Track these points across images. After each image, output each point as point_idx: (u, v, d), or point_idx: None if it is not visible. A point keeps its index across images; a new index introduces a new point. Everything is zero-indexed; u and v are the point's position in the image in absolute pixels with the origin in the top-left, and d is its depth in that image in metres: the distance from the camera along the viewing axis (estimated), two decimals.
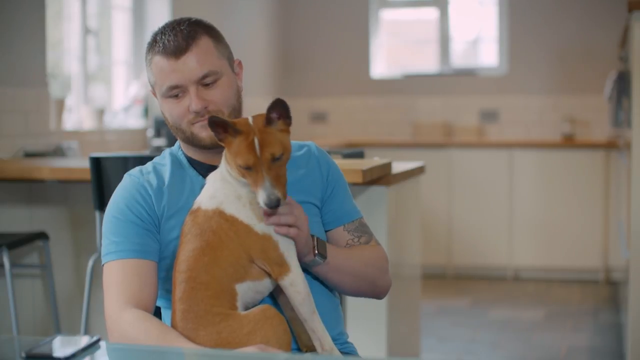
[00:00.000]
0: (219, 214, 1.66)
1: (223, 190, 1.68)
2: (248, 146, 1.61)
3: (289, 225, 1.67)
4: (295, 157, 1.89)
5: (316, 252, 1.75)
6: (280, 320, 1.64)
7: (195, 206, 1.70)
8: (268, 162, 1.61)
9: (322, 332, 1.69)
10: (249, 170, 1.62)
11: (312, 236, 1.76)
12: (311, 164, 1.91)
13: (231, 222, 1.66)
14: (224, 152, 1.70)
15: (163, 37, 1.80)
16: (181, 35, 1.78)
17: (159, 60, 1.79)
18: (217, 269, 1.64)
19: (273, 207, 1.60)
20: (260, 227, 1.66)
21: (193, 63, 1.77)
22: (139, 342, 1.63)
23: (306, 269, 1.76)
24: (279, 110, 1.65)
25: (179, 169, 1.85)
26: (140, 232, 1.76)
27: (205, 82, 1.78)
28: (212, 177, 1.73)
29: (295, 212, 1.68)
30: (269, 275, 1.68)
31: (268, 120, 1.65)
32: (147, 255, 1.75)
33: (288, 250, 1.67)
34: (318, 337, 1.68)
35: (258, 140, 1.62)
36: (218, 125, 1.64)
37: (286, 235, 1.67)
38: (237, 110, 1.84)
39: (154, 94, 1.87)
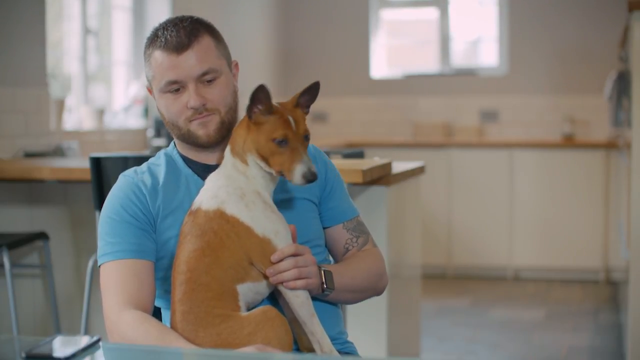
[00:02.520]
0: (220, 214, 1.66)
1: (226, 189, 1.68)
2: (284, 122, 1.66)
3: (295, 279, 1.67)
4: None
5: (325, 287, 1.75)
6: (281, 321, 1.64)
7: (194, 206, 1.70)
8: (302, 138, 1.67)
9: (321, 334, 1.68)
10: (283, 145, 1.65)
11: (320, 268, 1.75)
12: None
13: (232, 223, 1.65)
14: (235, 143, 1.71)
15: (165, 32, 1.80)
16: (184, 32, 1.79)
17: (160, 55, 1.79)
18: (218, 270, 1.64)
19: (311, 181, 1.64)
20: (261, 228, 1.66)
21: (193, 60, 1.77)
22: (139, 343, 1.63)
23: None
24: (310, 95, 1.71)
25: (173, 168, 1.85)
26: (136, 232, 1.75)
27: (204, 79, 1.78)
28: (213, 176, 1.73)
29: (299, 262, 1.67)
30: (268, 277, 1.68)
31: (298, 102, 1.71)
32: (144, 255, 1.75)
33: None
34: (317, 340, 1.68)
35: (292, 117, 1.67)
36: (261, 97, 1.66)
37: (294, 289, 1.67)
38: (234, 109, 1.84)
39: (150, 90, 1.87)
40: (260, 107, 1.67)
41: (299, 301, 1.67)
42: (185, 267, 1.65)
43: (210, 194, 1.69)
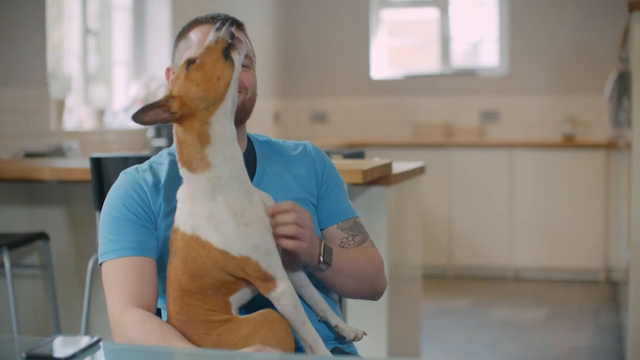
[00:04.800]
0: (196, 240, 1.60)
1: (194, 210, 1.61)
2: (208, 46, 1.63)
3: (289, 237, 1.63)
4: (292, 156, 1.91)
5: (321, 260, 1.72)
6: (281, 323, 1.63)
7: (175, 224, 1.65)
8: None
9: (314, 341, 1.65)
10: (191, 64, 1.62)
11: (320, 241, 1.73)
12: (307, 162, 1.92)
13: (208, 249, 1.60)
14: (186, 155, 1.62)
15: (208, 15, 1.84)
16: (229, 16, 1.84)
17: (205, 27, 1.82)
18: (209, 290, 1.62)
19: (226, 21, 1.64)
20: (236, 250, 1.59)
21: (239, 37, 1.76)
22: (141, 343, 1.63)
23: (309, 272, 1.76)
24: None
25: (176, 167, 1.83)
26: (137, 229, 1.75)
27: (244, 63, 1.75)
28: (181, 195, 1.65)
29: (298, 221, 1.63)
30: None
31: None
32: (146, 253, 1.74)
33: (271, 266, 1.61)
34: (309, 346, 1.66)
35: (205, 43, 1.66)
36: (150, 111, 1.62)
37: (280, 246, 1.63)
38: (250, 104, 1.85)
39: (169, 74, 1.86)
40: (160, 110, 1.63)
41: (288, 310, 1.63)
42: (177, 285, 1.64)
43: (184, 217, 1.63)
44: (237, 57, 1.63)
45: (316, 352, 1.65)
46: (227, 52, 1.62)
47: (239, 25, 1.84)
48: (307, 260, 1.70)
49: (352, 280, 1.83)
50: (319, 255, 1.71)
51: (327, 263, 1.73)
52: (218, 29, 1.63)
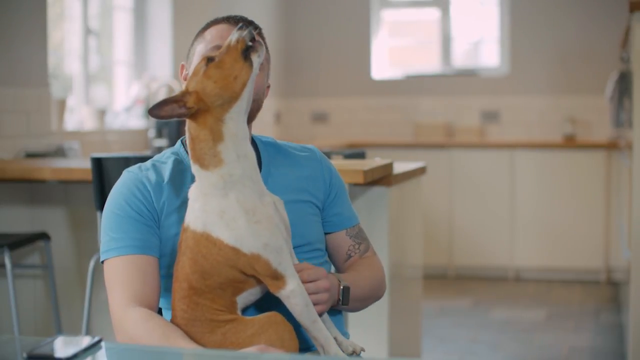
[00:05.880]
0: (207, 237, 1.61)
1: (205, 207, 1.62)
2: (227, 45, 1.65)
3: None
4: (299, 157, 1.93)
5: (340, 303, 1.78)
6: (286, 326, 1.63)
7: (185, 223, 1.66)
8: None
9: (325, 339, 1.66)
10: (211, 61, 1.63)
11: (338, 283, 1.78)
12: (315, 166, 1.93)
13: (219, 246, 1.61)
14: (200, 151, 1.63)
15: (224, 16, 1.86)
16: (245, 18, 1.86)
17: (221, 26, 1.84)
18: (218, 289, 1.63)
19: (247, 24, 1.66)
20: (247, 247, 1.60)
21: None
22: (143, 341, 1.63)
23: None
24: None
25: (180, 166, 1.84)
26: (140, 227, 1.75)
27: None
28: (192, 193, 1.66)
29: (310, 289, 1.68)
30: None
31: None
32: (148, 251, 1.74)
33: (281, 264, 1.62)
34: (320, 344, 1.67)
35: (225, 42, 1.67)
36: (166, 106, 1.62)
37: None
38: (259, 105, 1.85)
39: (183, 72, 1.87)
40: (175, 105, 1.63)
41: (299, 309, 1.64)
42: (187, 284, 1.64)
43: (195, 214, 1.64)
44: (257, 60, 1.65)
45: (328, 351, 1.66)
46: (246, 53, 1.64)
47: (256, 28, 1.84)
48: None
49: (360, 303, 1.91)
50: (338, 300, 1.78)
51: (346, 304, 1.79)
52: (240, 29, 1.64)
